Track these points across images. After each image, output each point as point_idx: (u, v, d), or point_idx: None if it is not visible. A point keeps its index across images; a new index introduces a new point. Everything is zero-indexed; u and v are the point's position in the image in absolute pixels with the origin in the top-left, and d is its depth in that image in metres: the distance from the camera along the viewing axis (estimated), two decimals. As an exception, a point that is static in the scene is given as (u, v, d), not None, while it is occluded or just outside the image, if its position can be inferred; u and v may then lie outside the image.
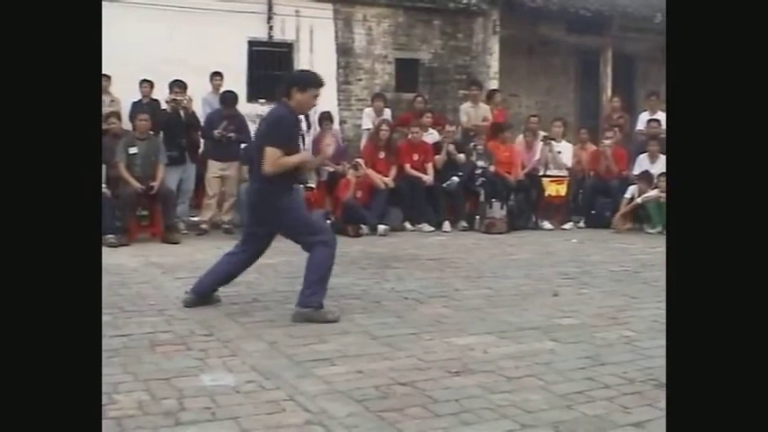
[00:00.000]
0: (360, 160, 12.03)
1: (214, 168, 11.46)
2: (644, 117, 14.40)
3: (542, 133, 13.65)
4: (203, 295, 6.37)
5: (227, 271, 6.45)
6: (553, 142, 13.36)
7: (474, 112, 14.01)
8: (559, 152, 13.37)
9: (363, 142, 13.56)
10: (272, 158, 5.89)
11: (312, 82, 6.27)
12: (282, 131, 6.07)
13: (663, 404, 4.07)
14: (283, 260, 8.78)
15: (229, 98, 11.68)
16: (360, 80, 15.49)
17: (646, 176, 12.54)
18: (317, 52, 15.09)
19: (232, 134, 11.40)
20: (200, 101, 12.49)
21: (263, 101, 13.46)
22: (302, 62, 14.97)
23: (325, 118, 13.07)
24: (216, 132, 11.36)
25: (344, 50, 15.38)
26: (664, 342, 5.28)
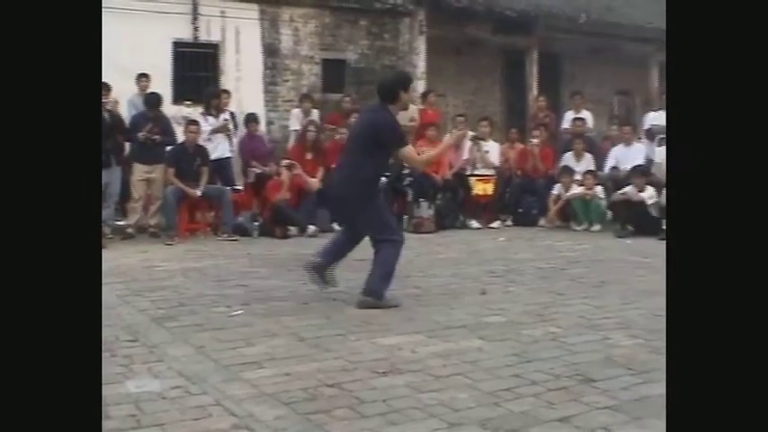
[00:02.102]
0: (286, 161, 11.95)
1: (139, 171, 11.32)
2: (569, 116, 14.60)
3: (470, 133, 13.74)
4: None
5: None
6: (481, 142, 13.45)
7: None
8: (487, 151, 13.47)
9: (291, 143, 13.53)
10: (414, 154, 7.37)
11: (410, 80, 7.07)
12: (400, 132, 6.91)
13: (588, 399, 4.15)
14: (211, 264, 8.74)
15: (153, 100, 11.55)
16: (286, 81, 15.43)
17: (566, 170, 12.77)
18: (243, 53, 15.01)
19: (157, 136, 11.27)
20: (126, 103, 12.33)
21: (188, 102, 13.32)
22: (228, 63, 14.90)
23: (252, 120, 13.03)
24: (141, 135, 11.22)
25: (271, 51, 15.31)
26: (589, 338, 5.42)
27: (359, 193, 6.56)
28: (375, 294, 6.45)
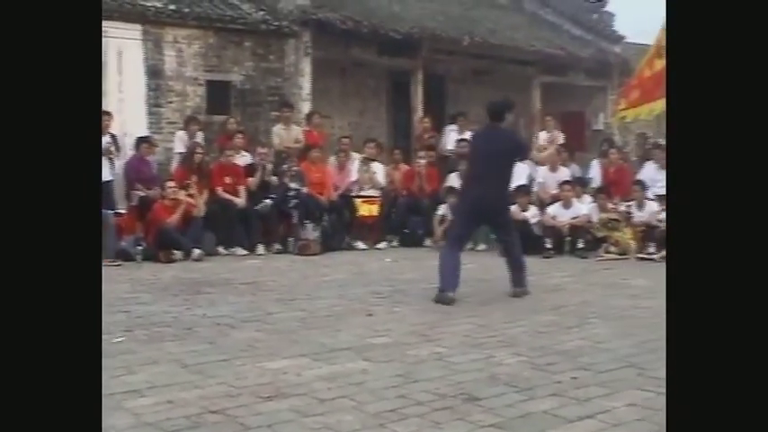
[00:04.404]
0: (172, 182, 11.76)
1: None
2: (453, 137, 14.76)
3: (357, 155, 13.83)
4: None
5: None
6: (371, 163, 13.57)
7: (286, 134, 13.99)
8: (375, 172, 13.57)
9: (174, 166, 13.32)
10: None
11: (514, 104, 8.32)
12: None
13: (473, 417, 4.17)
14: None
15: (33, 122, 11.26)
16: (171, 103, 15.17)
17: (451, 191, 12.93)
18: (125, 74, 14.71)
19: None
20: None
21: (69, 124, 13.00)
22: (110, 84, 14.58)
23: (145, 142, 12.83)
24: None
25: (154, 72, 15.04)
26: (474, 356, 5.46)
27: (508, 204, 8.43)
28: (522, 284, 7.98)
